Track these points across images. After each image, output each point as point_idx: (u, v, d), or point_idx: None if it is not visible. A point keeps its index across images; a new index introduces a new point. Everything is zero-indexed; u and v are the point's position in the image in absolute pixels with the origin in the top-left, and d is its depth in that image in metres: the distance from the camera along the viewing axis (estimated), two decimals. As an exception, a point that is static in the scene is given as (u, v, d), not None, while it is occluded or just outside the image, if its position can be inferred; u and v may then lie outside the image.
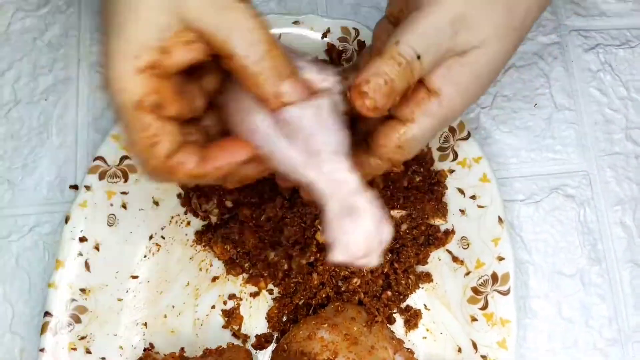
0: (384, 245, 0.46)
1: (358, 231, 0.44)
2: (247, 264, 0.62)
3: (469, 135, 0.63)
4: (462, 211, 0.62)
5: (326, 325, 0.56)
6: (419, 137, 0.48)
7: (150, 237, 0.62)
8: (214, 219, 0.63)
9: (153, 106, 0.41)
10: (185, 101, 0.44)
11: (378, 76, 0.44)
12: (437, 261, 0.62)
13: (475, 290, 0.60)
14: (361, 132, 0.50)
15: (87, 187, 0.60)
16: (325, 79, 0.46)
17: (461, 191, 0.62)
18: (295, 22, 0.65)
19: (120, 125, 0.43)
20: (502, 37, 0.46)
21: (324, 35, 0.66)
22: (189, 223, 0.63)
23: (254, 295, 0.62)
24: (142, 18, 0.41)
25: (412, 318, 0.61)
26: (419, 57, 0.45)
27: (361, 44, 0.66)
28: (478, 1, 0.45)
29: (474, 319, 0.60)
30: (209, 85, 0.47)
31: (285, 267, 0.61)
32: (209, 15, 0.41)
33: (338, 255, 0.45)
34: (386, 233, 0.46)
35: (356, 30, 0.66)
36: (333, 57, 0.65)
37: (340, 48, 0.66)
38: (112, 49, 0.41)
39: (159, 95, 0.41)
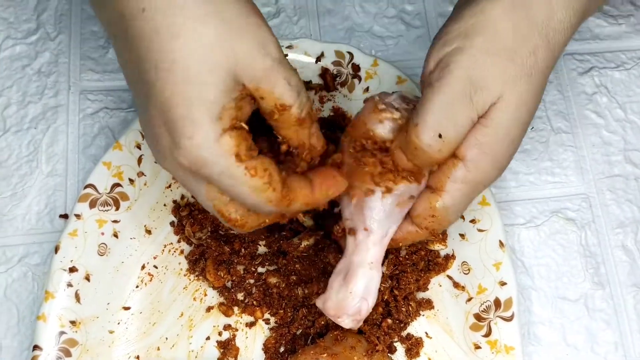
0: (359, 317, 0.52)
1: (340, 293, 0.52)
2: (241, 294, 0.60)
3: (467, 158, 0.62)
4: (462, 235, 0.61)
5: (325, 355, 0.54)
6: (451, 206, 0.49)
7: (143, 267, 0.60)
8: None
9: (247, 152, 0.43)
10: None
11: (400, 151, 0.48)
12: (437, 287, 0.61)
13: (477, 317, 0.59)
14: None
15: (78, 216, 0.59)
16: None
17: (460, 215, 0.61)
18: (289, 47, 0.65)
19: (228, 190, 0.44)
20: (516, 87, 0.46)
21: (318, 59, 0.65)
22: (182, 252, 0.61)
23: (250, 325, 0.60)
24: (211, 83, 0.42)
25: (414, 346, 0.59)
26: (440, 136, 0.45)
27: (355, 67, 0.65)
28: (479, 60, 0.45)
29: (477, 347, 0.58)
30: None
31: (286, 292, 0.59)
32: (265, 74, 0.44)
33: (319, 301, 0.53)
34: (364, 310, 0.52)
35: (350, 53, 0.65)
36: (327, 81, 0.65)
37: (335, 72, 0.65)
38: (189, 125, 0.42)
39: (247, 141, 0.44)
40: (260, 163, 0.44)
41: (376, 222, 0.51)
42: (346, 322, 0.53)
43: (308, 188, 0.47)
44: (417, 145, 0.46)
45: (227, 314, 0.60)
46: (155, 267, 0.61)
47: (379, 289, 0.58)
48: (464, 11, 0.47)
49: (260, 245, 0.62)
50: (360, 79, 0.65)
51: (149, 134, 0.45)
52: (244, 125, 0.44)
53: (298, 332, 0.59)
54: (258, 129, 0.48)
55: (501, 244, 0.60)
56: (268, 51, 0.44)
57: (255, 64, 0.43)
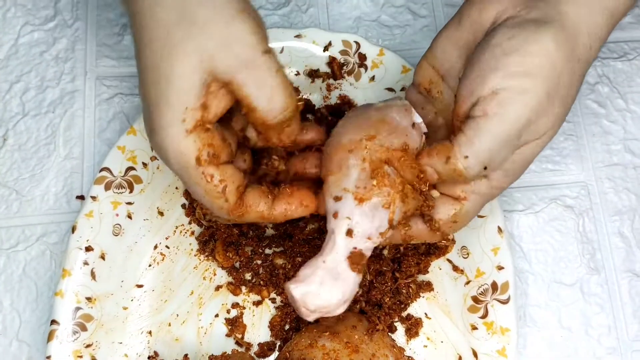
0: (319, 313, 0.51)
1: (326, 294, 0.50)
2: (249, 274, 0.63)
3: (468, 146, 0.64)
4: (462, 221, 0.63)
5: (327, 333, 0.57)
6: (472, 212, 0.52)
7: (155, 247, 0.63)
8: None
9: (210, 158, 0.46)
10: (228, 145, 0.48)
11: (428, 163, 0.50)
12: (437, 270, 0.63)
13: (475, 299, 0.61)
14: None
15: (94, 198, 0.61)
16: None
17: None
18: (298, 36, 0.67)
19: (186, 185, 0.47)
20: (558, 125, 0.48)
21: (326, 49, 0.67)
22: (192, 233, 0.64)
23: (257, 304, 0.63)
24: (178, 84, 0.44)
25: (413, 326, 0.61)
26: (485, 168, 0.47)
27: (362, 57, 0.67)
28: (542, 105, 0.45)
29: (474, 328, 0.60)
30: (237, 125, 0.51)
31: (292, 273, 0.62)
32: (236, 71, 0.44)
33: (296, 290, 0.50)
34: (340, 311, 0.51)
35: (357, 43, 0.67)
36: (334, 70, 0.67)
37: (342, 61, 0.67)
38: (158, 121, 0.44)
39: (212, 146, 0.46)
40: (220, 171, 0.46)
41: (354, 224, 0.50)
42: (312, 317, 0.52)
43: (265, 205, 0.50)
44: (462, 173, 0.47)
45: (235, 293, 0.62)
46: (167, 247, 0.63)
47: (381, 271, 0.60)
48: (525, 44, 0.45)
49: (267, 227, 0.64)
50: (366, 68, 0.67)
51: None
52: (210, 127, 0.45)
53: (302, 311, 0.62)
54: None
55: (500, 230, 0.62)
56: (235, 51, 0.44)
57: (220, 62, 0.44)
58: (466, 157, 0.46)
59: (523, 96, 0.45)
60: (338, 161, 0.51)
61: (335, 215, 0.50)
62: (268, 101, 0.46)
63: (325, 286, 0.50)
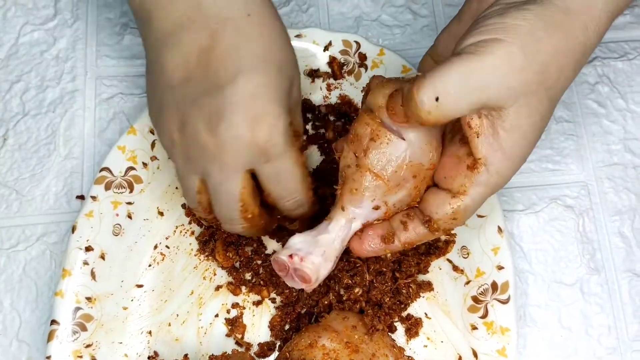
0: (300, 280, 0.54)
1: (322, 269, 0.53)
2: (249, 274, 0.63)
3: (468, 146, 0.64)
4: (462, 221, 0.63)
5: (327, 333, 0.57)
6: (472, 207, 0.50)
7: (155, 247, 0.63)
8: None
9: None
10: None
11: (394, 97, 0.49)
12: (437, 270, 0.63)
13: (475, 299, 0.61)
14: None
15: (94, 198, 0.61)
16: None
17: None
18: (298, 36, 0.67)
19: (273, 171, 0.52)
20: (534, 96, 0.46)
21: (326, 48, 0.67)
22: (192, 233, 0.64)
23: (257, 304, 0.63)
24: (283, 86, 0.52)
25: (413, 326, 0.61)
26: (437, 100, 0.45)
27: (362, 56, 0.67)
28: (514, 57, 0.45)
29: (474, 328, 0.60)
30: None
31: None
32: (294, 104, 0.54)
33: (281, 253, 0.54)
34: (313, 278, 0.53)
35: (357, 43, 0.67)
36: (335, 69, 0.67)
37: (342, 61, 0.67)
38: (278, 106, 0.50)
39: None
40: None
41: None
42: (294, 282, 0.55)
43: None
44: (412, 96, 0.46)
45: (235, 292, 0.62)
46: (167, 247, 0.63)
47: (381, 271, 0.60)
48: (507, 11, 0.46)
49: (267, 227, 0.64)
50: (366, 68, 0.67)
51: (214, 113, 0.50)
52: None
53: (302, 311, 0.62)
54: None
55: (500, 229, 0.62)
56: (295, 91, 0.54)
57: (292, 94, 0.53)
58: (423, 77, 0.46)
59: (498, 44, 0.45)
60: (398, 179, 0.52)
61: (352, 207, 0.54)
62: (289, 194, 0.54)
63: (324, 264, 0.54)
